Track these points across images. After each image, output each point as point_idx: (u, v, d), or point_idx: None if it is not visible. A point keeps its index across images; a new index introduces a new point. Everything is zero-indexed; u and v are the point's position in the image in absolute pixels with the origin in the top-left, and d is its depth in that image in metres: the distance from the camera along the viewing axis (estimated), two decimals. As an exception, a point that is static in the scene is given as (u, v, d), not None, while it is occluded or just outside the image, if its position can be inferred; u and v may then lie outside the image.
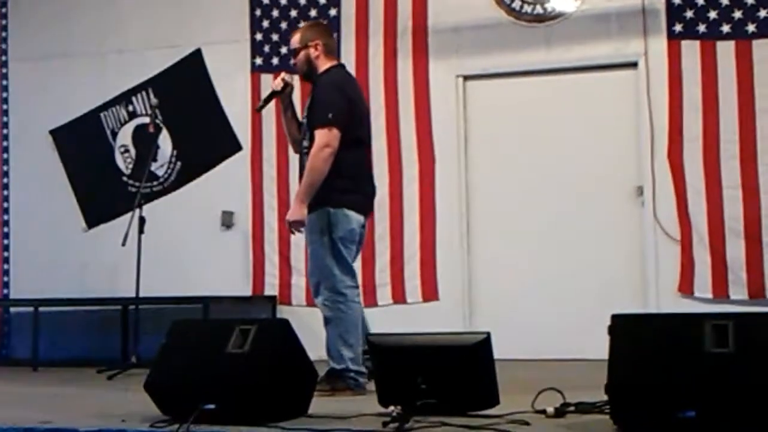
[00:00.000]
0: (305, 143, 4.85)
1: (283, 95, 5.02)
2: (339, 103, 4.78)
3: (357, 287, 4.85)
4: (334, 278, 4.74)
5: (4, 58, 8.30)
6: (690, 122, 6.72)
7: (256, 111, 5.17)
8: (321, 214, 4.74)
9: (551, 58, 7.04)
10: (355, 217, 4.82)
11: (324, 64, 4.94)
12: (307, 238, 4.85)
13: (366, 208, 4.97)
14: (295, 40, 5.01)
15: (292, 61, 5.06)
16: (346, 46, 7.43)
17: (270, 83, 5.44)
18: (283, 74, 5.06)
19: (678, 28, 6.77)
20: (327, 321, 4.76)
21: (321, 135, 4.71)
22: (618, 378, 3.17)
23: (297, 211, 4.71)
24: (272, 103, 5.25)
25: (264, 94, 7.46)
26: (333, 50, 5.09)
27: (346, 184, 4.77)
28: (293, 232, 4.85)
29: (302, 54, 4.95)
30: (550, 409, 3.59)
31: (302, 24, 5.20)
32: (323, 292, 4.77)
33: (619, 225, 6.90)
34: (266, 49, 7.65)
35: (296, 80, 5.25)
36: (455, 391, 3.63)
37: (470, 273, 7.15)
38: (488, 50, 7.19)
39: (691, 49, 6.73)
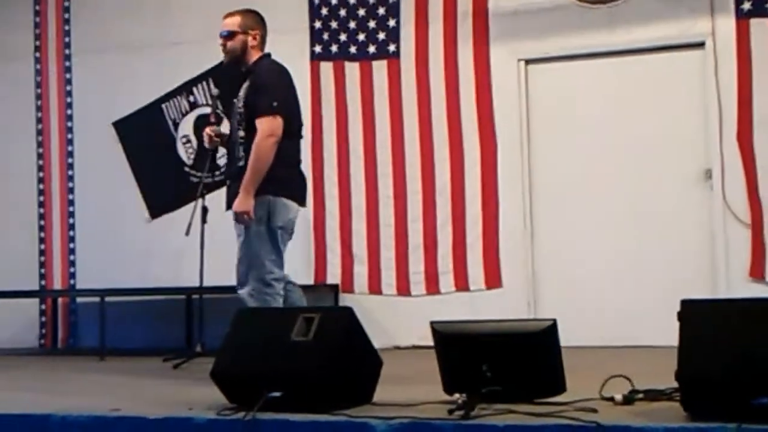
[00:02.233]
0: (240, 133, 4.79)
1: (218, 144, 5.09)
2: (282, 91, 4.80)
3: (283, 279, 4.82)
4: (264, 269, 4.72)
5: (67, 51, 8.42)
6: (760, 103, 6.55)
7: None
8: (260, 203, 4.70)
9: (614, 40, 6.92)
10: (294, 207, 4.85)
11: (257, 54, 4.94)
12: (237, 228, 4.79)
13: (302, 198, 4.99)
14: (234, 22, 4.94)
15: (221, 42, 4.94)
16: (405, 31, 7.39)
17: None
18: (208, 131, 5.07)
19: (747, 6, 6.59)
20: None
21: (265, 123, 4.68)
22: (689, 365, 3.11)
23: (244, 201, 4.67)
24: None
25: (323, 82, 7.59)
26: (265, 43, 5.04)
27: (285, 173, 4.75)
28: (241, 223, 4.75)
29: (240, 38, 4.92)
30: (619, 397, 3.53)
31: (239, 8, 5.07)
32: (251, 282, 4.73)
33: (688, 209, 6.77)
34: (325, 36, 7.64)
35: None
36: (521, 378, 3.59)
37: (534, 259, 7.08)
38: (550, 33, 7.09)
39: (760, 28, 6.55)
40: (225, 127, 7.57)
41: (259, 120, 4.70)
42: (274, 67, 4.91)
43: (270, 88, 4.77)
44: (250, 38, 4.92)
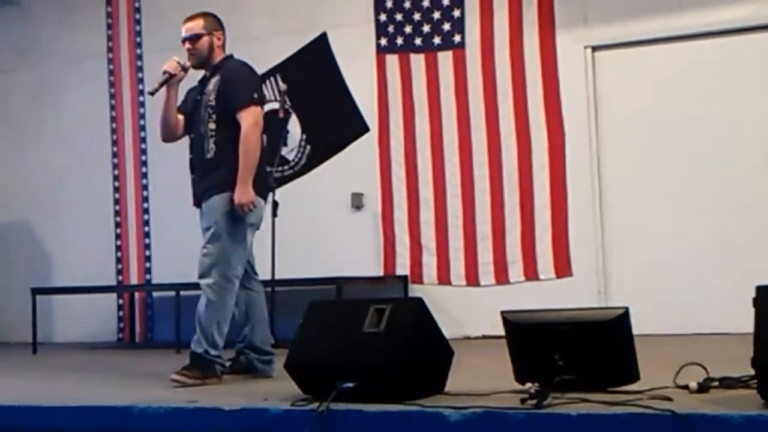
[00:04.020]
0: (210, 126, 4.79)
1: (174, 80, 4.90)
2: (257, 83, 4.94)
3: (240, 278, 4.82)
4: (229, 265, 4.72)
5: (138, 51, 8.58)
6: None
7: (150, 94, 4.93)
8: (232, 198, 4.72)
9: (685, 24, 6.82)
10: (263, 204, 4.88)
11: (221, 54, 4.96)
12: (206, 220, 4.77)
13: (268, 194, 5.05)
14: (199, 25, 4.93)
15: (187, 45, 4.89)
16: (470, 21, 7.38)
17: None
18: (176, 58, 4.92)
19: (821, -16, 6.45)
20: (209, 304, 4.71)
21: (249, 114, 4.73)
22: (766, 351, 3.06)
23: (245, 192, 4.69)
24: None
25: (389, 74, 7.61)
26: (226, 44, 5.04)
27: (257, 171, 4.78)
28: (245, 213, 4.73)
29: (206, 40, 4.90)
30: (693, 384, 3.50)
31: (197, 12, 5.05)
32: (214, 275, 4.71)
33: (762, 193, 6.64)
34: (390, 29, 7.66)
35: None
36: (593, 367, 3.57)
37: (604, 247, 7.02)
38: (617, 18, 7.02)
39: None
40: (292, 125, 7.73)
41: (244, 112, 4.75)
42: (245, 64, 5.00)
43: (247, 80, 4.87)
44: (215, 39, 4.96)
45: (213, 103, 4.84)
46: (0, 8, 9.06)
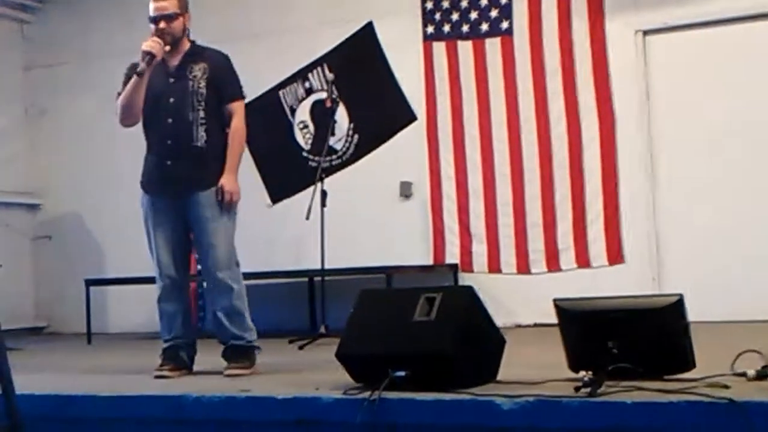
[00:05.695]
0: (200, 113, 4.73)
1: (154, 61, 4.71)
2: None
3: None
4: (234, 251, 4.82)
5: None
6: None
7: (139, 76, 4.67)
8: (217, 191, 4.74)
9: (737, 6, 6.69)
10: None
11: (186, 37, 4.86)
12: (209, 212, 4.73)
13: None
14: (174, 4, 4.77)
15: (162, 24, 4.71)
16: (518, 7, 7.32)
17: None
18: (156, 38, 4.72)
19: None
20: (234, 294, 4.75)
21: (240, 107, 4.83)
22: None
23: (234, 182, 4.77)
24: None
25: (436, 62, 7.58)
26: None
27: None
28: (232, 201, 4.77)
29: (180, 20, 4.78)
30: (751, 372, 3.45)
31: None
32: (229, 265, 4.77)
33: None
34: (437, 17, 7.62)
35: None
36: (648, 355, 3.54)
37: (657, 234, 6.93)
38: (668, 2, 6.91)
39: None
40: (339, 114, 7.73)
41: (237, 103, 4.82)
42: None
43: (236, 73, 4.89)
44: (186, 20, 4.85)
45: (203, 90, 4.76)
46: (53, 3, 9.19)
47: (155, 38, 4.71)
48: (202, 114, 4.74)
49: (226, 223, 4.78)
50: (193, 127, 4.73)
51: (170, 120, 4.75)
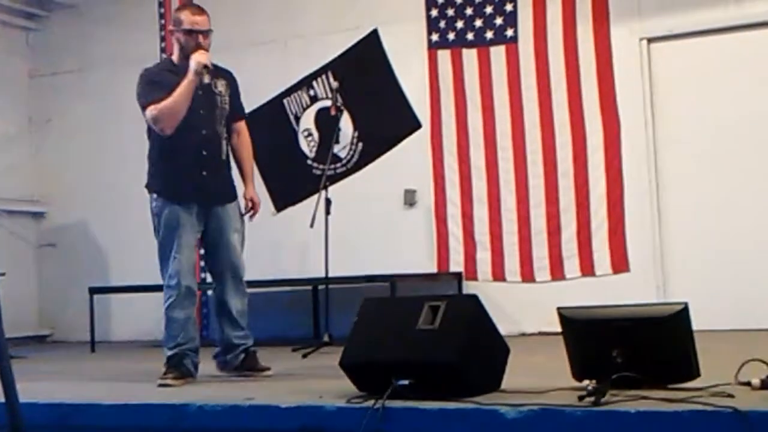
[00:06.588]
0: (224, 129, 4.93)
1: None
2: None
3: None
4: None
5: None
6: None
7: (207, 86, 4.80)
8: (239, 204, 5.01)
9: (742, 14, 6.69)
10: None
11: None
12: (237, 223, 4.94)
13: None
14: (208, 20, 4.88)
15: (206, 40, 4.80)
16: (523, 15, 7.32)
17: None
18: (203, 52, 4.76)
19: None
20: (247, 300, 4.97)
21: (245, 124, 5.07)
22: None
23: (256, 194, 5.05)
24: None
25: (441, 69, 7.57)
26: None
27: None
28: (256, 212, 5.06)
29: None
30: (756, 381, 3.44)
31: (204, 7, 4.99)
32: (244, 281, 4.98)
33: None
34: (442, 24, 7.62)
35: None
36: (652, 364, 3.52)
37: (662, 242, 6.92)
38: (672, 9, 6.91)
39: None
40: (344, 122, 7.72)
41: (244, 121, 5.07)
42: None
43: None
44: None
45: (227, 107, 4.94)
46: (58, 11, 9.21)
47: (203, 52, 4.76)
48: (224, 129, 4.95)
49: (243, 235, 5.01)
50: (222, 140, 4.93)
51: (204, 131, 4.85)
